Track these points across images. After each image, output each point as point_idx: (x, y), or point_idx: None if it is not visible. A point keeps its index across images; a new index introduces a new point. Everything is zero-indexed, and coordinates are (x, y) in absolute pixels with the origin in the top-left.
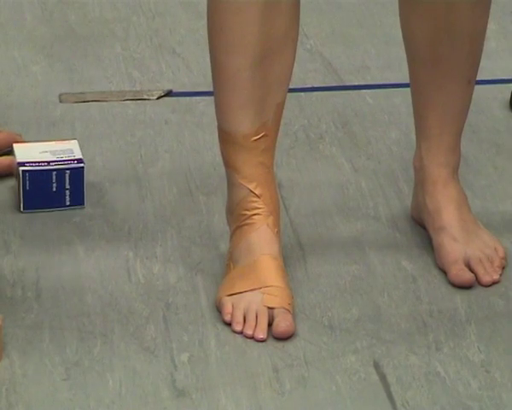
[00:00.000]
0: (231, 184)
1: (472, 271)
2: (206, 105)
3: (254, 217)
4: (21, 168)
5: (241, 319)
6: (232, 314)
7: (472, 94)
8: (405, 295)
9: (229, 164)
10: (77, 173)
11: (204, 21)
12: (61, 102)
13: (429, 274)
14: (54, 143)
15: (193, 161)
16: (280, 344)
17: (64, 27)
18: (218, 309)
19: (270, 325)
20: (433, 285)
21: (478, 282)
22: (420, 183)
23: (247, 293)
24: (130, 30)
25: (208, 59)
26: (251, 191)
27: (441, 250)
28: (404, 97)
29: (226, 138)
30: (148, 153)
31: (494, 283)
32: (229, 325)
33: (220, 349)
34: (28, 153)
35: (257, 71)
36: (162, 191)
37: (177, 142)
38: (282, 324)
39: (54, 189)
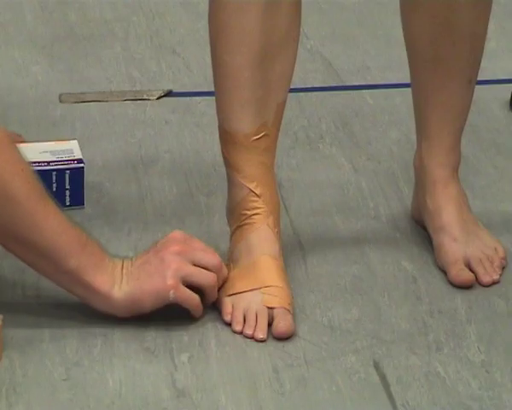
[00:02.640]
0: (231, 184)
1: (472, 271)
2: (206, 105)
3: (254, 217)
4: None
5: (241, 319)
6: (232, 314)
7: (473, 94)
8: (405, 295)
9: (229, 163)
10: (77, 173)
11: (204, 21)
12: (61, 102)
13: (429, 274)
14: (54, 143)
15: (193, 161)
16: (280, 344)
17: (64, 27)
18: (218, 309)
19: (270, 324)
20: (433, 285)
21: (478, 282)
22: (420, 183)
23: (246, 293)
24: (130, 30)
25: (208, 59)
26: (251, 191)
27: (441, 250)
28: (404, 97)
29: (227, 138)
30: (148, 153)
31: (494, 283)
32: (229, 325)
33: (220, 349)
34: (28, 153)
35: (258, 70)
36: (162, 191)
37: (177, 142)
38: (282, 324)
39: (54, 189)
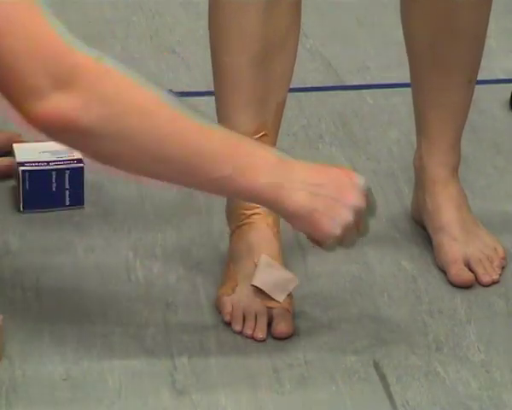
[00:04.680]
0: None
1: (472, 271)
2: (206, 105)
3: (254, 216)
4: (21, 168)
5: (241, 319)
6: (232, 314)
7: (472, 94)
8: (405, 295)
9: None
10: (76, 173)
11: (204, 21)
12: None
13: (429, 274)
14: (54, 143)
15: None
16: (280, 344)
17: None
18: (218, 309)
19: (269, 324)
20: (433, 285)
21: (478, 282)
22: (420, 182)
23: (246, 293)
24: (130, 30)
25: (208, 59)
26: None
27: (441, 250)
28: (404, 97)
29: None
30: None
31: (494, 282)
32: (229, 325)
33: (220, 349)
34: (28, 153)
35: (258, 70)
36: (162, 191)
37: None
38: (282, 324)
39: (53, 189)
